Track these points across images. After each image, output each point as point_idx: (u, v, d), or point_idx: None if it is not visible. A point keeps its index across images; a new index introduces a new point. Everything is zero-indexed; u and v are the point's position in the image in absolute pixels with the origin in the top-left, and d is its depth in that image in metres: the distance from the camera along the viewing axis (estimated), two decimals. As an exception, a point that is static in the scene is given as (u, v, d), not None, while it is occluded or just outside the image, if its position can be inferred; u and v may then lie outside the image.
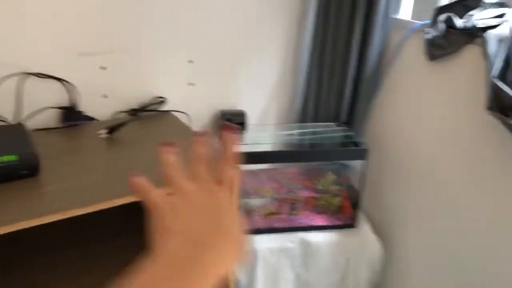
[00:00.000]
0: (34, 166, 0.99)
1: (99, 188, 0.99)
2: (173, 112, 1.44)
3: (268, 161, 1.52)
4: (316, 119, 1.65)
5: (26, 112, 1.24)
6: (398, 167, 1.56)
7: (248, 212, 1.52)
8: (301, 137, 1.60)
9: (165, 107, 1.43)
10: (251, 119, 1.61)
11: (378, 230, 1.68)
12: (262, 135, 1.59)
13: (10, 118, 1.23)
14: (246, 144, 1.50)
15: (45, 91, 1.26)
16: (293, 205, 1.56)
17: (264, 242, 1.47)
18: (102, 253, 1.16)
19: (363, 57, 1.53)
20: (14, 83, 1.21)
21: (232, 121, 1.52)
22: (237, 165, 0.48)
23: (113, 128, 1.24)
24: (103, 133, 1.22)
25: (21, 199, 0.93)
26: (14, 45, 1.18)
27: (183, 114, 1.47)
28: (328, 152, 1.48)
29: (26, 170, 0.98)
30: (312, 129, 1.62)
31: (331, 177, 1.59)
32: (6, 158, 0.95)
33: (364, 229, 1.57)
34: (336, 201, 1.56)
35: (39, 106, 1.26)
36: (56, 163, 1.08)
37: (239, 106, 1.58)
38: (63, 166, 1.07)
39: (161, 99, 1.42)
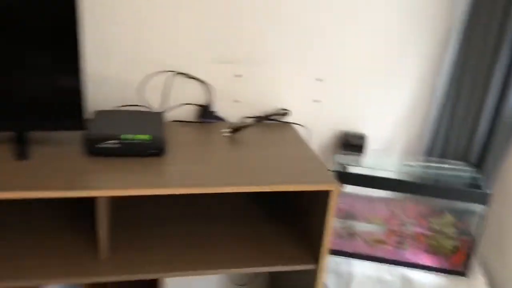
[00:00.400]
0: (161, 147, 1.16)
1: (212, 175, 1.11)
2: (294, 125, 1.52)
3: (382, 187, 1.50)
4: (443, 155, 1.58)
5: (169, 104, 1.44)
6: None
7: (351, 235, 1.51)
8: (422, 170, 1.55)
9: (287, 119, 1.52)
10: (373, 144, 1.61)
11: (496, 286, 1.52)
12: (381, 161, 1.58)
13: (155, 107, 1.44)
14: (363, 167, 1.50)
15: (187, 89, 1.44)
16: (401, 238, 1.50)
17: (363, 268, 1.45)
18: (210, 232, 1.29)
19: (506, 93, 1.43)
20: (164, 79, 1.42)
21: (351, 143, 1.54)
22: None
23: (236, 129, 1.37)
24: (227, 132, 1.36)
25: (146, 172, 1.10)
26: (169, 49, 1.39)
27: (303, 128, 1.54)
28: (446, 190, 1.40)
29: (154, 149, 1.15)
30: (436, 164, 1.55)
31: (448, 218, 1.50)
32: (141, 136, 1.13)
33: (478, 281, 1.43)
34: (449, 244, 1.47)
35: (180, 101, 1.45)
36: (182, 150, 1.24)
37: (362, 128, 1.60)
38: (187, 153, 1.23)
39: (285, 111, 1.52)
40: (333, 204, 1.15)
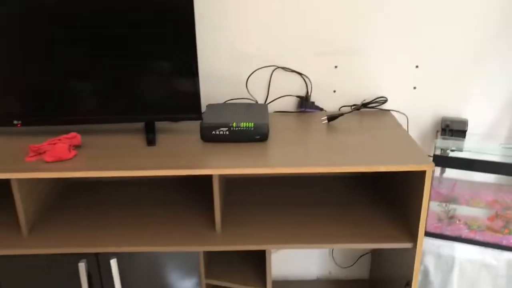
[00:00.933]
0: (264, 133, 1.30)
1: (311, 157, 1.23)
2: (392, 112, 1.57)
3: (483, 170, 1.48)
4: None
5: (271, 97, 1.59)
6: None
7: (452, 218, 1.52)
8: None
9: (385, 107, 1.58)
10: (475, 130, 1.60)
11: None
12: (483, 146, 1.56)
13: (260, 100, 1.59)
14: (464, 152, 1.50)
15: (288, 82, 1.57)
16: (505, 223, 1.48)
17: (465, 252, 1.45)
18: (312, 212, 1.40)
19: None
20: (268, 73, 1.56)
21: (452, 129, 1.55)
22: None
23: (332, 117, 1.46)
24: (324, 120, 1.46)
25: (252, 155, 1.25)
26: (272, 45, 1.53)
27: (402, 115, 1.58)
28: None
29: (258, 135, 1.30)
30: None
31: (560, 203, 1.44)
32: (245, 124, 1.29)
33: None
34: (561, 229, 1.41)
35: (281, 93, 1.58)
36: (283, 136, 1.38)
37: (463, 114, 1.59)
38: (288, 139, 1.36)
39: (383, 99, 1.57)
40: (429, 185, 1.20)
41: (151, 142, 1.33)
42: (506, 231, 1.47)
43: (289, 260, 1.83)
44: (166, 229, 1.33)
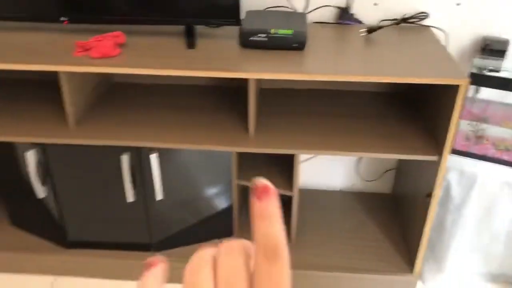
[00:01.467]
0: (302, 41, 1.32)
1: (346, 66, 1.25)
2: (432, 28, 1.55)
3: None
4: None
5: (311, 7, 1.58)
6: None
7: (480, 138, 1.54)
8: None
9: (426, 23, 1.55)
10: (516, 51, 1.57)
11: None
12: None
13: (299, 9, 1.58)
14: (502, 71, 1.49)
15: (328, -8, 1.55)
16: (534, 145, 1.50)
17: (489, 171, 1.49)
18: (342, 122, 1.46)
19: None
20: (308, -18, 1.54)
21: (491, 48, 1.52)
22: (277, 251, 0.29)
23: (372, 30, 1.46)
24: (363, 32, 1.46)
25: (289, 61, 1.28)
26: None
27: (442, 32, 1.56)
28: None
29: (296, 43, 1.32)
30: None
31: None
32: (284, 31, 1.30)
33: None
34: None
35: (321, 3, 1.57)
36: (321, 46, 1.39)
37: (505, 35, 1.55)
38: (325, 48, 1.38)
39: (424, 15, 1.54)
40: (461, 100, 1.22)
41: (191, 45, 1.37)
42: (533, 153, 1.49)
43: (315, 170, 1.91)
44: (203, 130, 1.41)
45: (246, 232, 1.64)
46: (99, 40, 1.29)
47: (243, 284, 0.28)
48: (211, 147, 1.35)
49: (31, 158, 1.39)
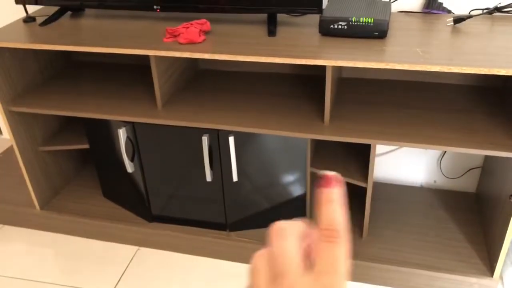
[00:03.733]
0: (383, 30, 1.30)
1: (430, 57, 1.22)
2: (530, 18, 1.44)
3: None
4: None
5: (396, -5, 1.54)
6: None
7: None
8: None
9: (523, 12, 1.45)
10: None
11: None
12: None
13: (383, -2, 1.55)
14: None
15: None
16: None
17: None
18: (422, 116, 1.42)
19: None
20: (395, -30, 1.51)
21: None
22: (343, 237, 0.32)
23: (459, 20, 1.39)
24: (450, 22, 1.40)
25: (369, 50, 1.27)
26: None
27: (542, 22, 1.44)
28: None
29: (377, 32, 1.30)
30: None
31: None
32: (365, 19, 1.29)
33: None
34: None
35: (408, -8, 1.53)
36: (404, 35, 1.36)
37: None
38: (408, 38, 1.34)
39: (521, 3, 1.44)
40: (555, 93, 1.13)
41: (271, 33, 1.40)
42: None
43: (395, 164, 1.87)
44: (280, 116, 1.45)
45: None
46: (187, 27, 1.37)
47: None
48: (287, 133, 1.39)
49: (122, 135, 1.52)
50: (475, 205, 1.75)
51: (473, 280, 1.49)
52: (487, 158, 1.71)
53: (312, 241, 0.33)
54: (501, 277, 1.58)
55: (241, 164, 1.51)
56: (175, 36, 1.38)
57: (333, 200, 0.34)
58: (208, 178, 1.53)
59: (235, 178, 1.52)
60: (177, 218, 1.71)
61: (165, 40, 1.38)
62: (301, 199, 1.60)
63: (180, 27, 1.38)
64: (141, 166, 1.60)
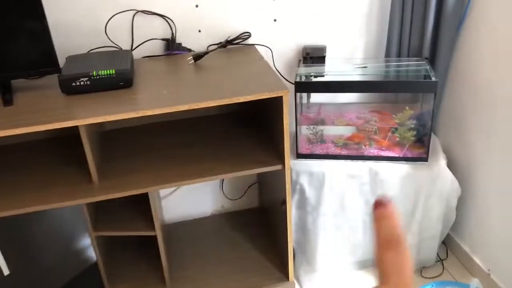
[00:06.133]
0: (127, 79, 1.30)
1: (177, 96, 1.26)
2: (257, 46, 1.63)
3: (341, 90, 1.62)
4: (399, 54, 1.68)
5: (136, 42, 1.56)
6: (481, 103, 1.53)
7: (321, 139, 1.66)
8: (381, 69, 1.66)
9: (250, 41, 1.63)
10: (335, 54, 1.72)
11: (459, 168, 1.67)
12: (340, 68, 1.69)
13: (124, 46, 1.56)
14: (324, 76, 1.62)
15: (151, 26, 1.56)
16: (368, 137, 1.65)
17: (334, 167, 1.60)
18: (188, 150, 1.45)
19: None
20: (128, 18, 1.53)
21: (312, 56, 1.65)
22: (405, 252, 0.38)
23: (198, 56, 1.49)
24: (190, 60, 1.49)
25: (117, 101, 1.25)
26: (128, -12, 1.49)
27: (267, 48, 1.65)
28: (398, 83, 1.52)
29: (121, 82, 1.29)
30: (395, 63, 1.66)
31: (407, 112, 1.62)
32: (106, 71, 1.27)
33: (438, 164, 1.58)
34: (410, 135, 1.60)
35: (146, 37, 1.57)
36: (150, 80, 1.38)
37: (322, 41, 1.70)
38: (155, 82, 1.37)
39: (247, 34, 1.62)
40: (287, 109, 1.29)
41: (7, 102, 1.26)
42: (367, 143, 1.64)
43: (182, 201, 1.89)
44: (45, 188, 1.31)
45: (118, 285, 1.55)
46: None
47: None
48: (55, 205, 1.26)
49: None
50: (261, 218, 1.89)
51: (274, 288, 1.59)
52: (259, 174, 1.86)
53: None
54: (296, 278, 1.73)
55: (11, 253, 1.31)
56: None
57: (387, 214, 0.40)
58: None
59: (5, 271, 1.31)
60: None
61: None
62: (94, 269, 1.47)
63: None
64: None
